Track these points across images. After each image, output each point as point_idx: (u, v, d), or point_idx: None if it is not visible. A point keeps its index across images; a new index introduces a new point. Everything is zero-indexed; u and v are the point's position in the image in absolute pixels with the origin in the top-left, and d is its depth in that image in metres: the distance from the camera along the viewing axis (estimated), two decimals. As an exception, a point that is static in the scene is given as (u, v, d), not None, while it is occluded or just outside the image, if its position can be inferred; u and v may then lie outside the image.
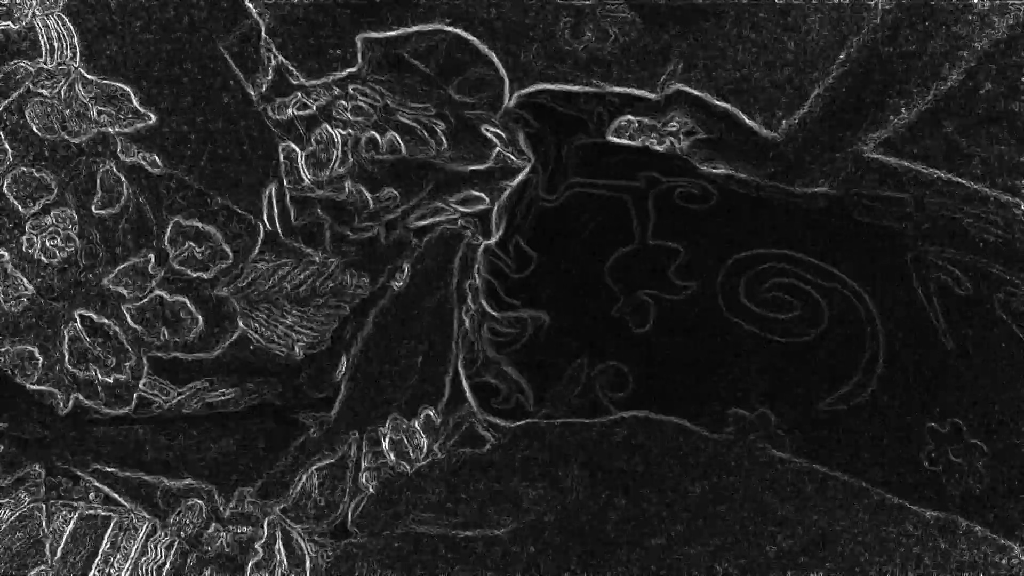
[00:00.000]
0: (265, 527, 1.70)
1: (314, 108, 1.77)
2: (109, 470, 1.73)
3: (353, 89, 1.77)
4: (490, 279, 1.77)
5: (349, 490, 1.71)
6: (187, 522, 1.71)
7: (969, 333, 1.72)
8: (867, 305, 1.72)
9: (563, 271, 1.77)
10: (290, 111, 1.77)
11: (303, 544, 1.69)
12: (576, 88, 1.77)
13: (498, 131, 1.77)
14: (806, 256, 1.74)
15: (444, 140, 1.78)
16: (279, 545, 1.69)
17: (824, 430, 1.71)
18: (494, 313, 1.74)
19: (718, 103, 1.71)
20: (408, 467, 1.71)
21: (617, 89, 1.77)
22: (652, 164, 1.79)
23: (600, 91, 1.77)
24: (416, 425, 1.72)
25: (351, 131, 1.78)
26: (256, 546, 1.69)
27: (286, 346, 1.81)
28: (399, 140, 1.78)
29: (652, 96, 1.77)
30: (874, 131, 1.69)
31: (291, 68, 1.77)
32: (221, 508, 1.72)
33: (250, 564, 1.68)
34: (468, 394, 1.73)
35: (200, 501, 1.73)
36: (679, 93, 1.73)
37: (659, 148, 1.75)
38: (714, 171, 1.76)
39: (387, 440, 1.72)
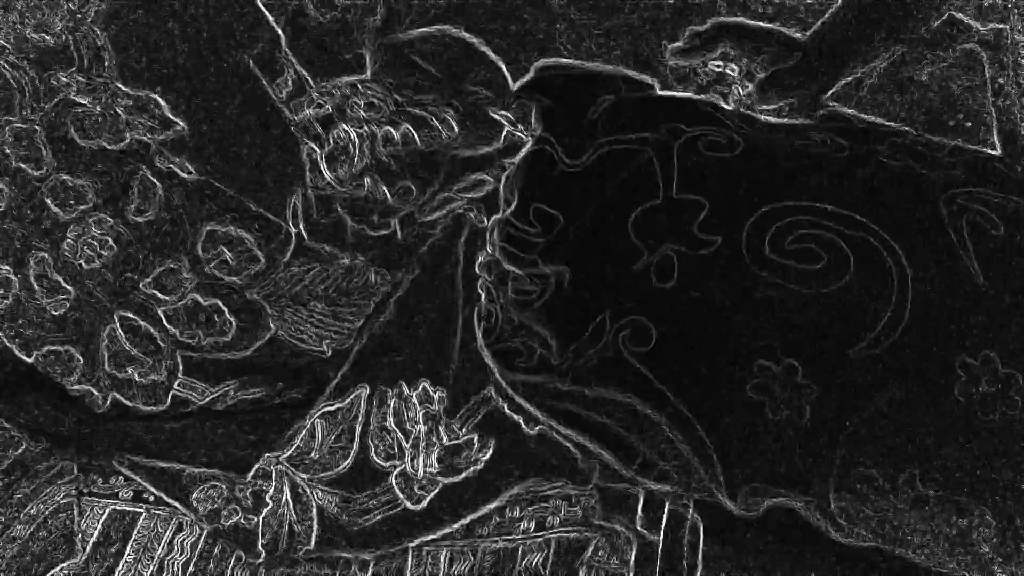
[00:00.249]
0: (274, 478, 1.70)
1: (329, 108, 1.79)
2: (137, 460, 1.77)
3: (363, 87, 1.77)
4: (509, 247, 1.73)
5: (356, 446, 1.69)
6: (207, 498, 1.74)
7: (1002, 270, 1.57)
8: (894, 250, 1.60)
9: (587, 228, 1.72)
10: (306, 112, 1.79)
11: (308, 491, 1.68)
12: (592, 66, 1.71)
13: (506, 113, 1.73)
14: (831, 206, 1.63)
15: (455, 127, 1.75)
16: (286, 494, 1.69)
17: (853, 376, 1.60)
18: (515, 270, 1.71)
19: (761, 25, 1.63)
20: (404, 440, 1.68)
21: (632, 74, 1.70)
22: (676, 115, 1.71)
23: (615, 73, 1.71)
24: (413, 397, 1.69)
25: (367, 128, 1.78)
26: (267, 498, 1.69)
27: (315, 344, 1.81)
28: (413, 132, 1.77)
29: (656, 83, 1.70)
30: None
31: (307, 77, 1.79)
32: (240, 493, 1.73)
33: (262, 517, 1.69)
34: (489, 361, 1.69)
35: (221, 484, 1.75)
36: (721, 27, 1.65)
37: (728, 105, 1.67)
38: (763, 111, 1.66)
39: (391, 405, 1.70)
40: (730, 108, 1.65)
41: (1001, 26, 1.58)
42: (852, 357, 1.62)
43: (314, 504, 1.69)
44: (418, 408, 1.69)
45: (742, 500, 1.62)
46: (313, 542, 1.68)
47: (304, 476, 1.69)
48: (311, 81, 1.78)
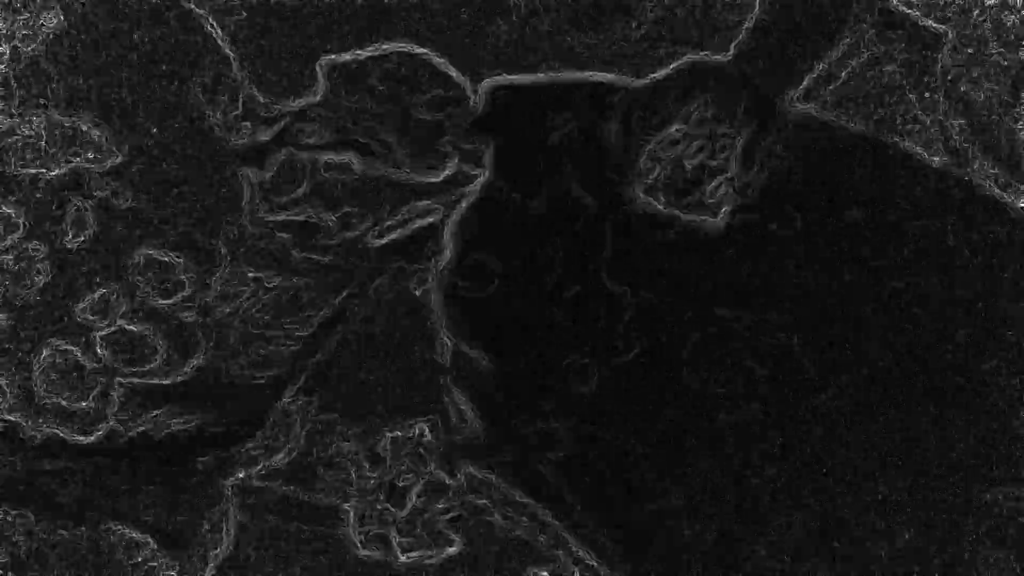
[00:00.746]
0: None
1: (273, 133, 1.79)
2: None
3: (310, 112, 1.79)
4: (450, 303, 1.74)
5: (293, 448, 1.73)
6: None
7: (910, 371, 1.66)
8: (803, 367, 1.65)
9: (519, 304, 1.73)
10: (250, 138, 1.79)
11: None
12: (539, 77, 1.74)
13: (454, 142, 1.76)
14: (751, 316, 1.67)
15: (400, 155, 1.77)
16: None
17: (754, 501, 1.67)
18: (450, 342, 1.72)
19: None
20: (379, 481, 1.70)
21: (588, 75, 1.74)
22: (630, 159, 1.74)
23: (567, 80, 1.74)
24: (405, 438, 1.71)
25: (308, 154, 1.79)
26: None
27: (249, 369, 1.80)
28: (355, 158, 1.78)
29: (628, 82, 1.73)
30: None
31: (259, 98, 1.79)
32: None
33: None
34: (463, 412, 1.70)
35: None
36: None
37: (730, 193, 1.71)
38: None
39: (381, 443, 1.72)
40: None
41: (942, 26, 1.66)
42: (752, 484, 1.66)
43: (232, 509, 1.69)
44: (407, 448, 1.71)
45: None
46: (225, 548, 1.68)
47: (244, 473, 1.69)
48: (262, 101, 1.78)
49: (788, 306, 1.67)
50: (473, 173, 1.75)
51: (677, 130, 1.70)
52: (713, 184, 1.70)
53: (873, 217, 1.66)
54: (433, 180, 1.77)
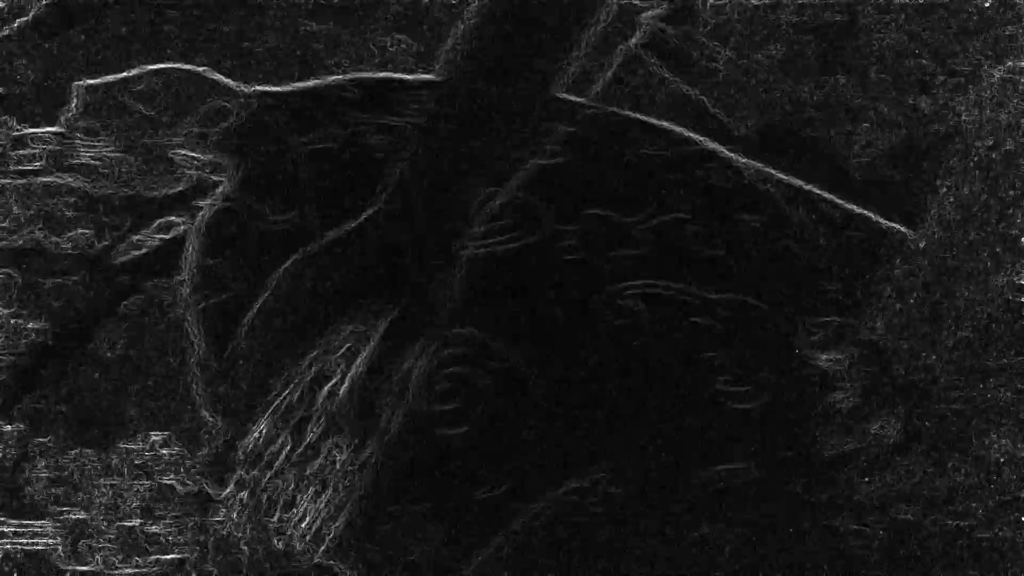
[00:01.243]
0: None
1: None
2: None
3: (28, 138, 1.66)
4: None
5: None
6: None
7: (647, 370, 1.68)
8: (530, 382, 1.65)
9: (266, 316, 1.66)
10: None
11: None
12: (307, 85, 1.67)
13: (190, 154, 1.66)
14: (483, 335, 1.65)
15: (129, 172, 1.66)
16: None
17: (482, 519, 1.66)
18: (200, 353, 1.63)
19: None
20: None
21: (367, 76, 1.68)
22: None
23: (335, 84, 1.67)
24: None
25: (23, 180, 1.65)
26: None
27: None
28: (79, 179, 1.66)
29: (416, 77, 1.68)
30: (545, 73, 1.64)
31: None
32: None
33: None
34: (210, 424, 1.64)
35: None
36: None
37: None
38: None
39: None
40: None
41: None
42: (476, 500, 1.66)
43: None
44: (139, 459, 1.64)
45: None
46: None
47: None
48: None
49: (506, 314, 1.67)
50: (216, 183, 1.66)
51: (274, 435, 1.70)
52: (306, 507, 1.70)
53: (608, 217, 1.67)
54: (169, 193, 1.67)
